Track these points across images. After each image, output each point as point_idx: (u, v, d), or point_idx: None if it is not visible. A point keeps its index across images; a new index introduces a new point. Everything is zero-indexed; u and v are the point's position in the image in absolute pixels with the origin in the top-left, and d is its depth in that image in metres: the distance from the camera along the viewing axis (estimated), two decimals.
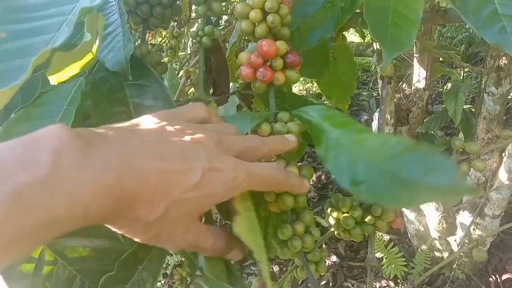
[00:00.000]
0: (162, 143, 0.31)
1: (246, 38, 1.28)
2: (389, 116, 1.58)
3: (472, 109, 1.80)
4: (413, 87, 1.52)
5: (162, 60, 0.56)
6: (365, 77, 3.55)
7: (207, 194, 0.32)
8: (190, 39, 1.16)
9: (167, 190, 0.30)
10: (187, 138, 0.33)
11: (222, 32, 1.23)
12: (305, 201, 0.44)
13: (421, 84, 1.48)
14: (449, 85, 2.14)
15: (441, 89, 2.72)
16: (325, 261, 0.55)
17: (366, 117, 2.86)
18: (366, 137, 0.32)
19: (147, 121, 0.34)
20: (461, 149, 0.52)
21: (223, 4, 0.53)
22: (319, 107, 0.41)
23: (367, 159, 0.29)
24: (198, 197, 0.31)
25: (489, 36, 0.39)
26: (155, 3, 0.53)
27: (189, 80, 0.99)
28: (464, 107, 1.62)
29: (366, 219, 0.49)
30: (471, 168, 0.50)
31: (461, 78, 1.79)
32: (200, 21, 0.54)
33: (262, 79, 0.44)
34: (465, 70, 1.85)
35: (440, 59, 1.60)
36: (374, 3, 0.43)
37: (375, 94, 3.07)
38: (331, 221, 0.51)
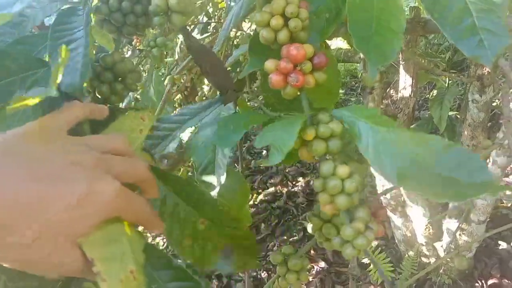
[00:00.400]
0: (38, 164, 0.30)
1: (235, 44, 1.29)
2: None
3: (458, 116, 1.82)
4: (399, 94, 1.53)
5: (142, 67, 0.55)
6: (353, 83, 3.57)
7: (84, 215, 0.31)
8: (178, 45, 1.16)
9: (40, 213, 0.29)
10: (66, 157, 0.32)
11: (209, 39, 1.24)
12: (357, 199, 0.43)
13: (407, 91, 1.50)
14: (435, 91, 2.16)
15: (428, 95, 2.75)
16: (307, 270, 0.54)
17: None
18: (407, 135, 0.36)
19: (24, 136, 0.33)
20: None
21: (210, 10, 0.53)
22: (356, 107, 0.42)
23: (412, 157, 0.34)
24: (75, 218, 0.30)
25: (467, 49, 0.39)
26: (128, 12, 0.52)
27: (175, 87, 0.99)
28: (450, 113, 1.64)
29: None
30: None
31: (447, 85, 1.82)
32: (195, 27, 0.53)
33: (295, 84, 0.43)
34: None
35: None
36: (358, 14, 0.43)
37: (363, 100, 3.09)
38: (311, 229, 0.51)
